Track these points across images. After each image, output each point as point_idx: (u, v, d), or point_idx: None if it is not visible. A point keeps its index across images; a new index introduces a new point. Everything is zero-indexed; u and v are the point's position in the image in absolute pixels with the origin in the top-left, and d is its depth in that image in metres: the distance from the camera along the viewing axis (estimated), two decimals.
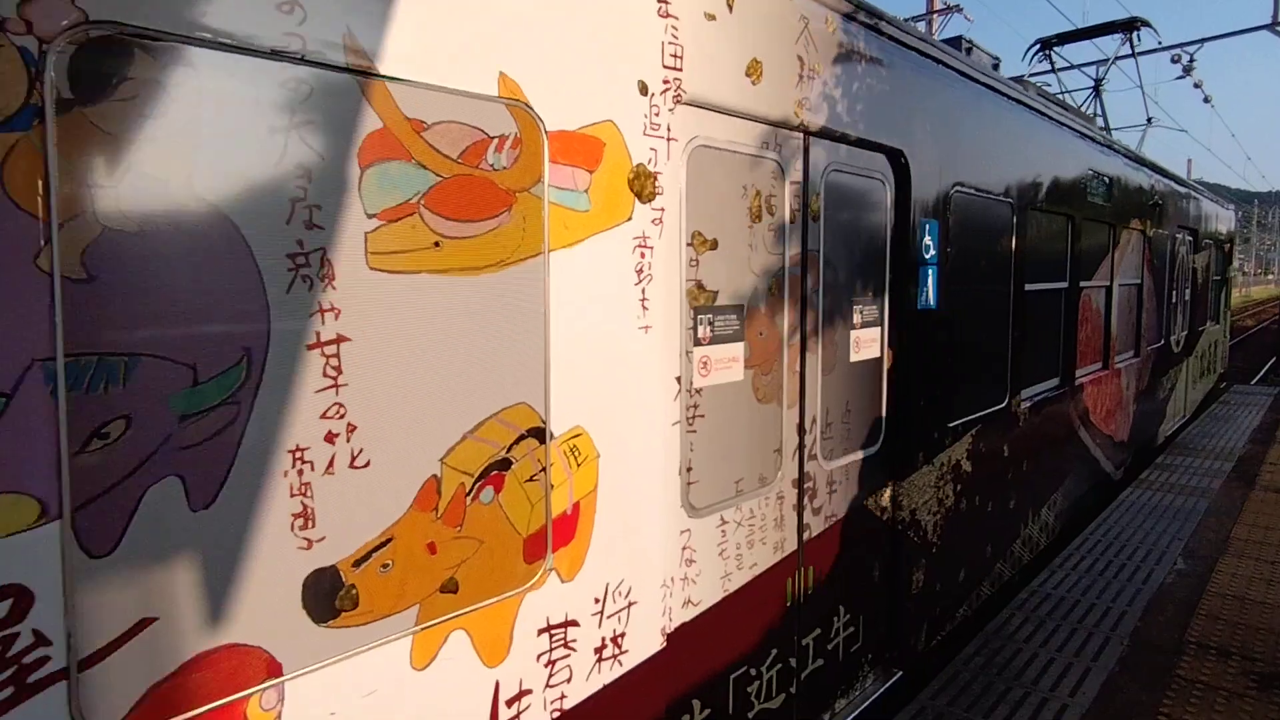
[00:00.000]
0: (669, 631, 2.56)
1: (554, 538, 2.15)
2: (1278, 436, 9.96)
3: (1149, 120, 14.55)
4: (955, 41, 5.27)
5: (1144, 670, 4.21)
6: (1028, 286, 5.20)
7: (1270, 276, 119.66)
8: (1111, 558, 5.85)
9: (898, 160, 3.71)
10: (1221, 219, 13.00)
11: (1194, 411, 12.17)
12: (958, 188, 4.23)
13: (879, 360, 3.78)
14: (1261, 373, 21.57)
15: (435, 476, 1.88)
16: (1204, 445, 9.52)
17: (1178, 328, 10.41)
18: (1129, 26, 10.94)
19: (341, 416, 1.71)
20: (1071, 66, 12.46)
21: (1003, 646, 4.52)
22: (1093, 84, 12.24)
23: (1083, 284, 6.29)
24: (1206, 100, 19.33)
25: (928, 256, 3.92)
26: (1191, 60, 15.94)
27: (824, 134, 3.17)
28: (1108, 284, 7.08)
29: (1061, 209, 5.76)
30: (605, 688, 2.31)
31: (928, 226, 3.90)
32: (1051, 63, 11.65)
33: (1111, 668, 4.23)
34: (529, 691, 2.10)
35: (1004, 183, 4.77)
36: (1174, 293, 9.97)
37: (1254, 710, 3.78)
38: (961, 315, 4.38)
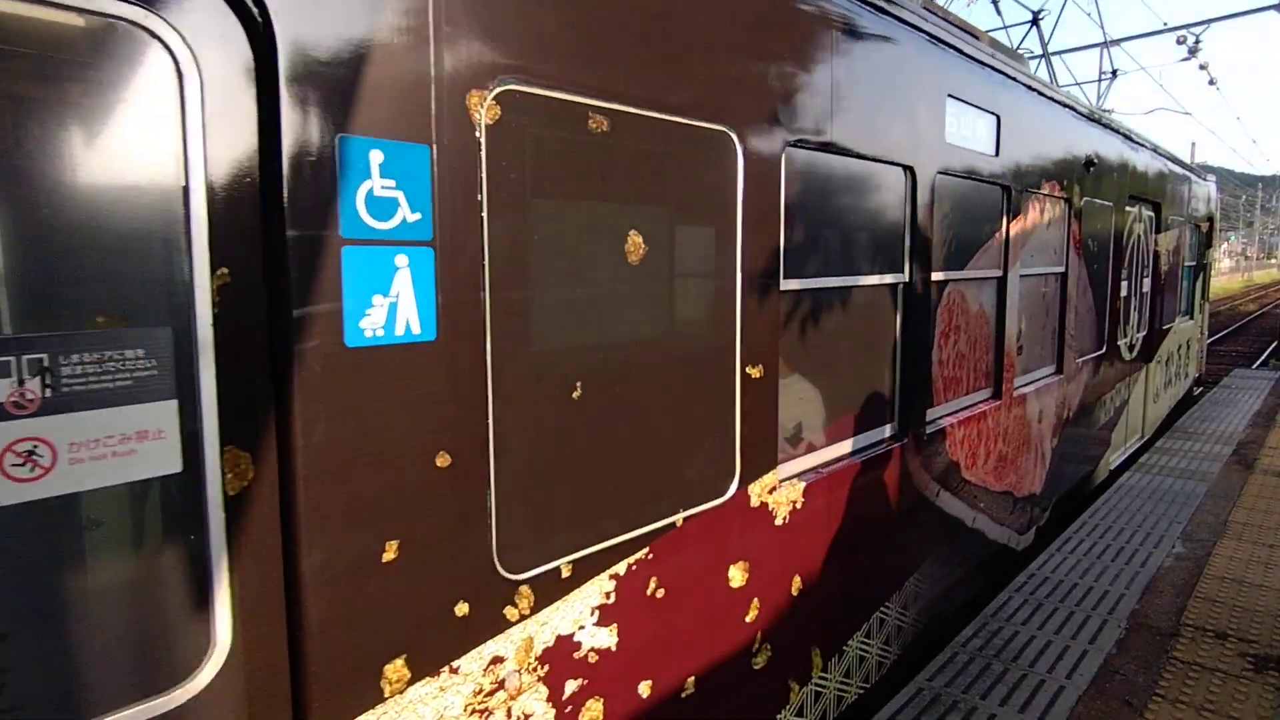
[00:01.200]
0: None
1: None
2: (1278, 420, 9.96)
3: (1113, 73, 13.28)
4: None
5: (1141, 652, 4.24)
6: (813, 284, 3.32)
7: (1273, 261, 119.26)
8: (1110, 541, 5.87)
9: None
10: (1197, 193, 10.92)
11: (1159, 428, 10.28)
12: None
13: None
14: (1263, 357, 21.55)
15: None
16: (1204, 429, 9.53)
17: (1131, 328, 8.39)
18: None
19: None
20: None
21: (1000, 629, 4.55)
22: (1031, 15, 10.45)
23: (940, 276, 4.12)
24: (1212, 83, 19.17)
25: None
26: (1198, 42, 15.79)
27: None
28: (997, 274, 4.88)
29: (889, 157, 3.63)
30: None
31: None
32: None
33: (1109, 650, 4.26)
34: None
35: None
36: (1126, 283, 7.97)
37: (1249, 691, 3.81)
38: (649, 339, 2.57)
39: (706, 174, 2.64)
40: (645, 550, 2.55)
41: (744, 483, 2.96)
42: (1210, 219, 12.23)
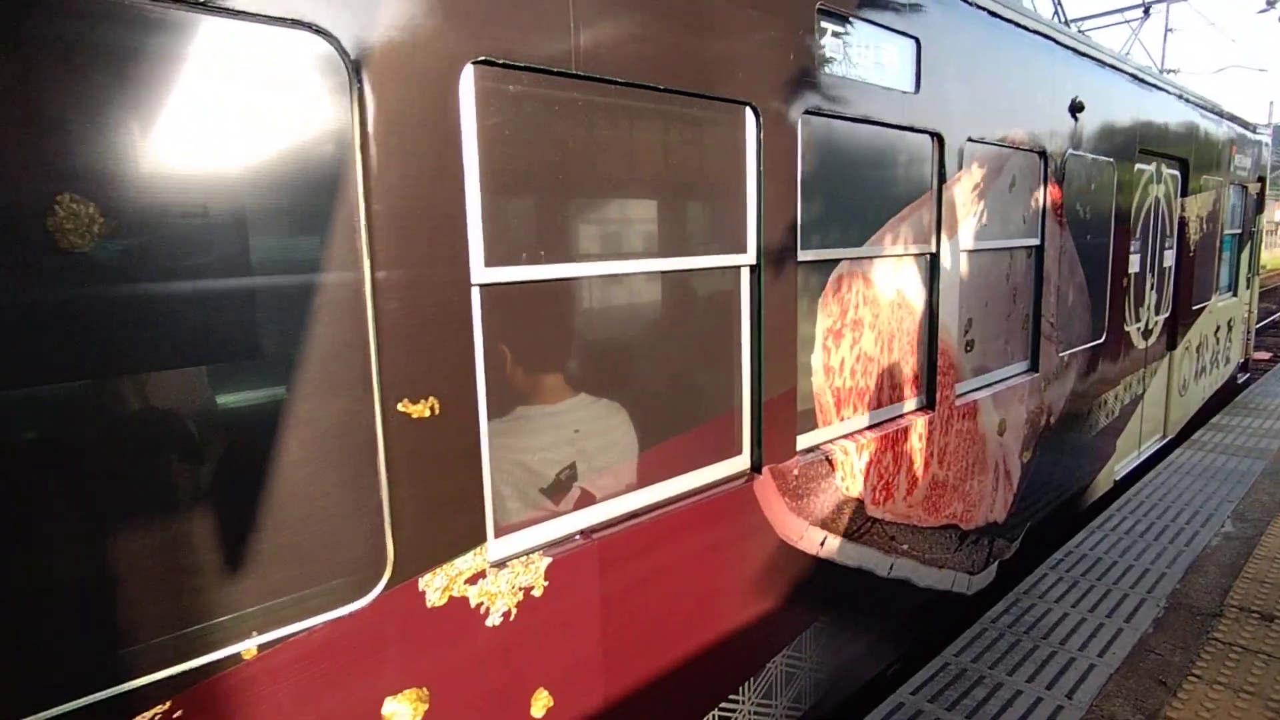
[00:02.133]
0: None
1: None
2: None
3: None
4: None
5: (1179, 632, 4.12)
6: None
7: None
8: (1155, 519, 5.69)
9: None
10: (1243, 148, 9.36)
11: (1190, 423, 8.78)
12: None
13: None
14: None
15: None
16: (1264, 405, 9.10)
17: (1146, 310, 7.13)
18: None
19: None
20: None
21: (1032, 605, 4.48)
22: None
23: (816, 255, 3.29)
24: None
25: None
26: None
27: None
28: (925, 250, 3.95)
29: (769, 102, 2.91)
30: None
31: None
32: None
33: (1145, 629, 4.16)
34: None
35: None
36: (1138, 257, 6.72)
37: None
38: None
39: None
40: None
41: (405, 574, 2.04)
42: (1261, 179, 10.45)
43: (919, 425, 4.01)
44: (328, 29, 1.77)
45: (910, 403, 4.07)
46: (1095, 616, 4.33)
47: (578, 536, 2.51)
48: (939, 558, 4.37)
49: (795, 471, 3.26)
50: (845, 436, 3.61)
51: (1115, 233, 6.22)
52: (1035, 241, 5.07)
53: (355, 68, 1.83)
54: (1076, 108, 5.31)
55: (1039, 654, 3.96)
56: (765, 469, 3.11)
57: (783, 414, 3.16)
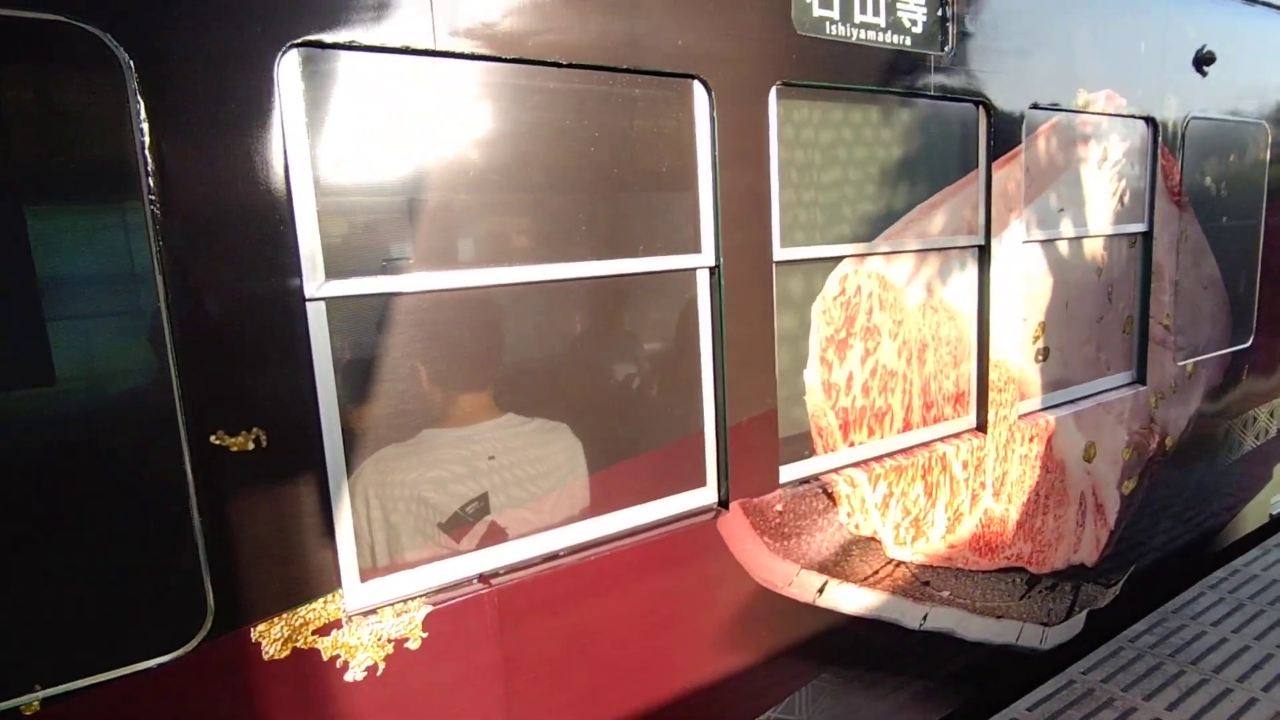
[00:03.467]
0: None
1: None
2: None
3: None
4: None
5: None
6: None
7: None
8: None
9: None
10: None
11: None
12: None
13: None
14: None
15: None
16: None
17: None
18: None
19: None
20: None
21: (1182, 626, 3.79)
22: None
23: (817, 252, 2.83)
24: None
25: None
26: None
27: None
28: (972, 242, 3.32)
29: (724, 73, 2.47)
30: None
31: None
32: None
33: None
34: None
35: None
36: None
37: None
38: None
39: None
40: None
41: (231, 624, 1.79)
42: None
43: (963, 450, 3.36)
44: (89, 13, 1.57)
45: (951, 424, 3.42)
46: (1263, 646, 3.56)
47: (475, 581, 2.21)
48: (997, 606, 3.68)
49: (778, 507, 2.78)
50: (855, 465, 3.07)
51: (1269, 213, 5.09)
52: (1140, 227, 4.18)
53: (130, 55, 1.60)
54: (1204, 59, 4.33)
55: (1184, 680, 3.31)
56: (734, 504, 2.66)
57: (758, 440, 2.70)
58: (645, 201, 2.46)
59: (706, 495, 2.67)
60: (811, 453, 2.97)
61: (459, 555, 2.22)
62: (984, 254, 3.39)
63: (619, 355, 2.50)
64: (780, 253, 2.71)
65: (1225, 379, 4.90)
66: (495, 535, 2.30)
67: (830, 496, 2.93)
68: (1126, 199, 4.10)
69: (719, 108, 2.47)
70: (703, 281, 2.57)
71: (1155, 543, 4.61)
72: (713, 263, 2.55)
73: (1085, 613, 4.18)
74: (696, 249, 2.54)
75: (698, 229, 2.53)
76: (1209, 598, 4.32)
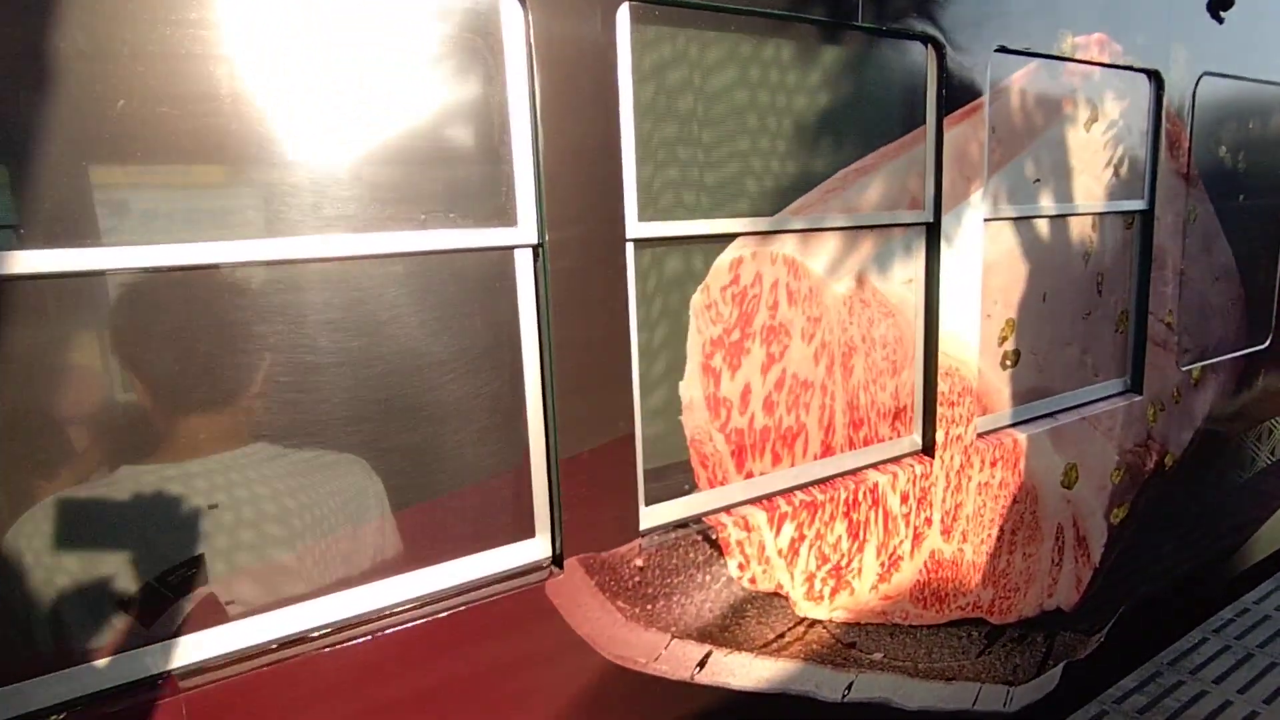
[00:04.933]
0: None
1: None
2: None
3: None
4: None
5: None
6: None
7: None
8: None
9: None
10: None
11: None
12: None
13: None
14: None
15: None
16: None
17: None
18: None
19: None
20: None
21: (1179, 684, 3.19)
22: None
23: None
24: None
25: None
26: None
27: None
28: (921, 219, 2.65)
29: None
30: None
31: None
32: None
33: None
34: None
35: None
36: None
37: None
38: None
39: None
40: None
41: None
42: None
43: (903, 479, 2.69)
44: None
45: (888, 447, 2.74)
46: (1275, 710, 2.92)
47: (160, 683, 1.57)
48: (947, 666, 3.01)
49: (637, 562, 2.13)
50: (752, 502, 2.40)
51: None
52: (1138, 205, 3.46)
53: None
54: (1221, 3, 3.59)
55: None
56: (570, 561, 2.01)
57: (608, 475, 2.04)
58: (434, 155, 1.78)
59: (533, 550, 2.02)
60: (692, 488, 2.31)
61: (141, 649, 1.58)
62: (933, 234, 2.69)
63: (411, 364, 1.84)
64: (638, 228, 2.03)
65: (1238, 385, 4.18)
66: (206, 616, 1.66)
67: (715, 544, 2.27)
68: (1122, 170, 3.38)
69: (538, 29, 1.79)
70: (524, 265, 1.90)
71: (1150, 579, 3.92)
72: (534, 239, 1.88)
73: (1061, 666, 3.51)
74: (509, 220, 1.87)
75: (511, 194, 1.86)
76: (1212, 645, 3.65)
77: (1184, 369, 3.79)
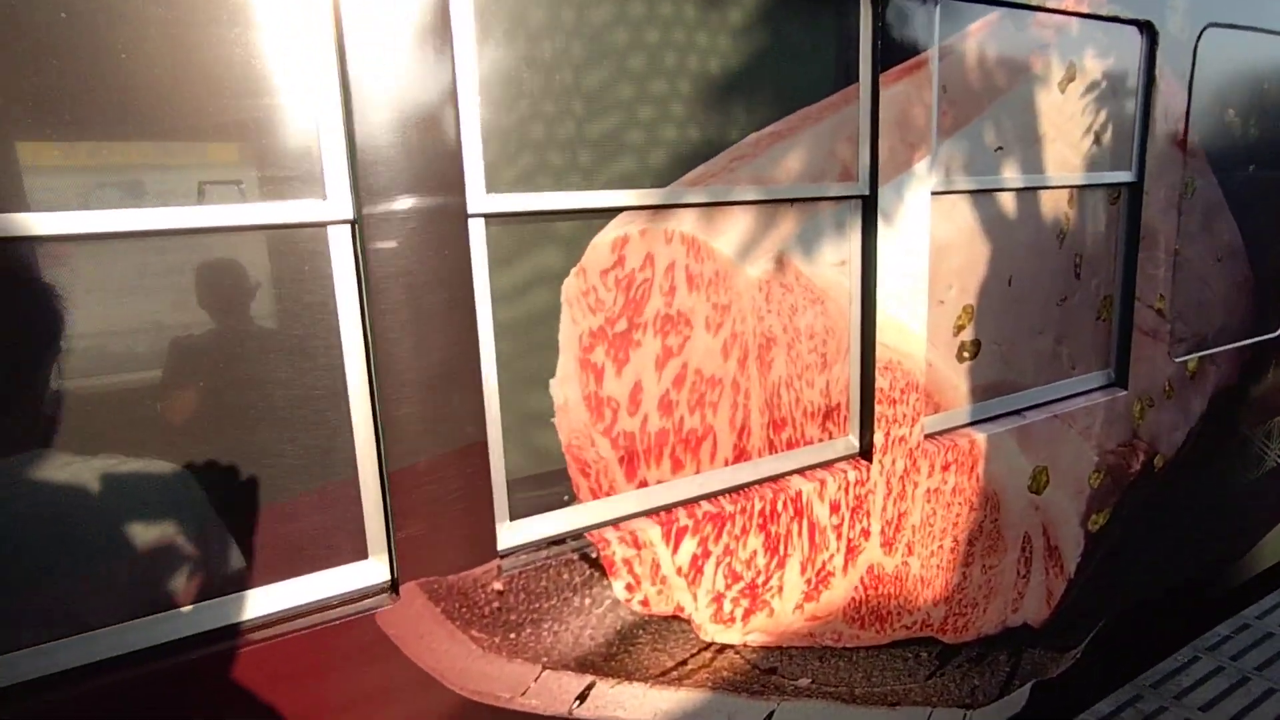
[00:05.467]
0: None
1: None
2: None
3: None
4: None
5: None
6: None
7: None
8: None
9: None
10: None
11: None
12: None
13: None
14: None
15: None
16: None
17: None
18: None
19: None
20: None
21: (1161, 710, 2.88)
22: None
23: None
24: None
25: None
26: None
27: None
28: (853, 191, 2.31)
29: None
30: None
31: None
32: None
33: None
34: None
35: None
36: None
37: None
38: None
39: None
40: None
41: None
42: None
43: (833, 486, 2.39)
44: None
45: (817, 450, 2.43)
46: None
47: None
48: (891, 690, 2.72)
49: (496, 585, 1.86)
50: (645, 515, 2.12)
51: None
52: (1125, 176, 3.08)
53: None
54: None
55: None
56: (407, 587, 1.75)
57: (455, 488, 1.77)
58: (216, 112, 1.50)
59: (366, 574, 1.76)
60: (571, 499, 2.03)
61: None
62: (869, 209, 2.36)
63: (211, 360, 1.58)
64: (486, 200, 1.74)
65: (1243, 378, 3.79)
66: None
67: (596, 563, 1.99)
68: (1106, 137, 3.00)
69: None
70: (340, 245, 1.62)
71: (1134, 590, 3.58)
72: (349, 214, 1.60)
73: (1029, 686, 3.19)
74: (317, 192, 1.58)
75: (317, 159, 1.58)
76: (1204, 665, 3.31)
77: (1178, 360, 3.41)
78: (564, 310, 1.91)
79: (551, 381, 1.93)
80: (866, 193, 2.33)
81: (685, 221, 2.05)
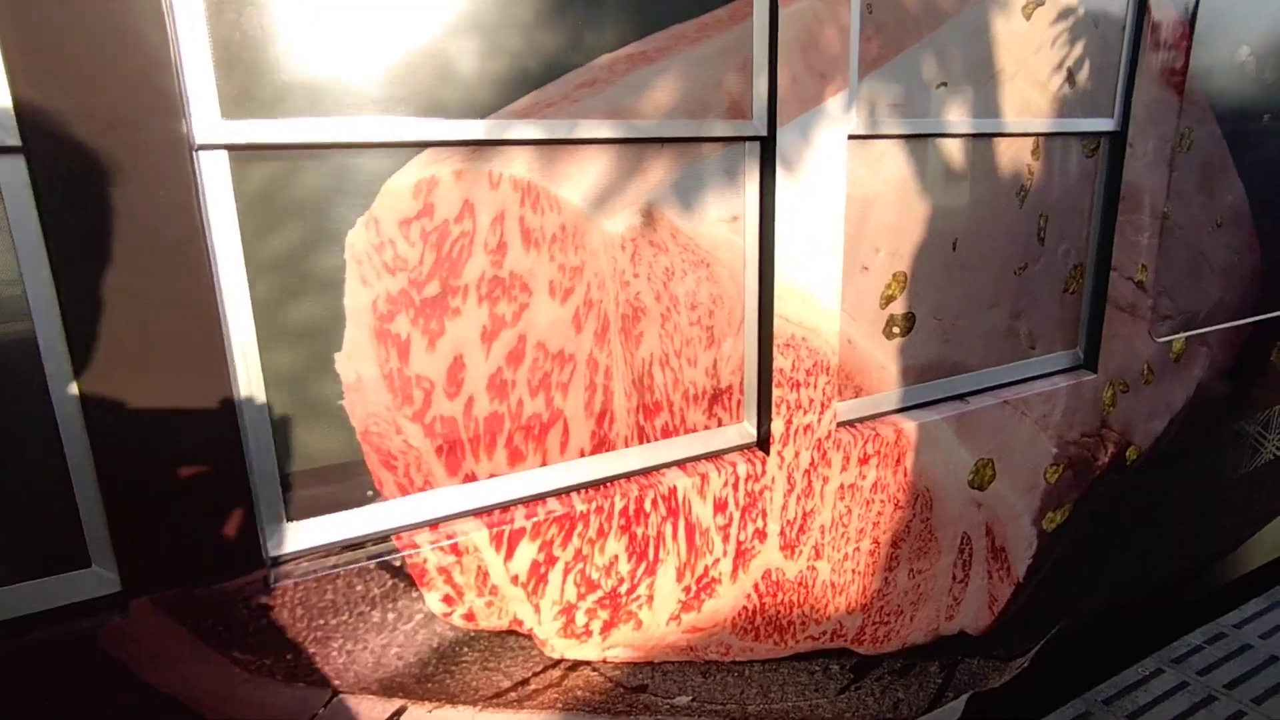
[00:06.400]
0: None
1: None
2: None
3: None
4: None
5: None
6: None
7: None
8: None
9: None
10: None
11: None
12: None
13: None
14: None
15: None
16: None
17: None
18: None
19: None
20: None
21: None
22: None
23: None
24: None
25: None
26: None
27: None
28: (747, 131, 1.90)
29: None
30: None
31: None
32: None
33: None
34: None
35: None
36: None
37: None
38: None
39: None
40: None
41: None
42: None
43: (717, 480, 2.04)
44: None
45: (699, 439, 2.08)
46: None
47: None
48: (794, 706, 2.40)
49: (262, 600, 1.55)
50: (471, 515, 1.79)
51: None
52: (1106, 124, 2.62)
53: None
54: None
55: None
56: (140, 602, 1.44)
57: (193, 487, 1.45)
58: None
59: (87, 585, 1.45)
60: (374, 496, 1.70)
61: None
62: (767, 153, 1.96)
63: None
64: (224, 129, 1.38)
65: (1240, 360, 3.35)
66: None
67: (401, 572, 1.68)
68: (1083, 75, 2.54)
69: None
70: (12, 180, 1.28)
71: (1098, 594, 3.22)
72: (14, 141, 1.25)
73: (965, 699, 2.88)
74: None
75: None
76: (1167, 679, 2.98)
77: (1160, 340, 2.99)
78: (349, 269, 1.56)
79: (337, 356, 1.59)
80: (763, 133, 1.93)
81: (516, 163, 1.67)
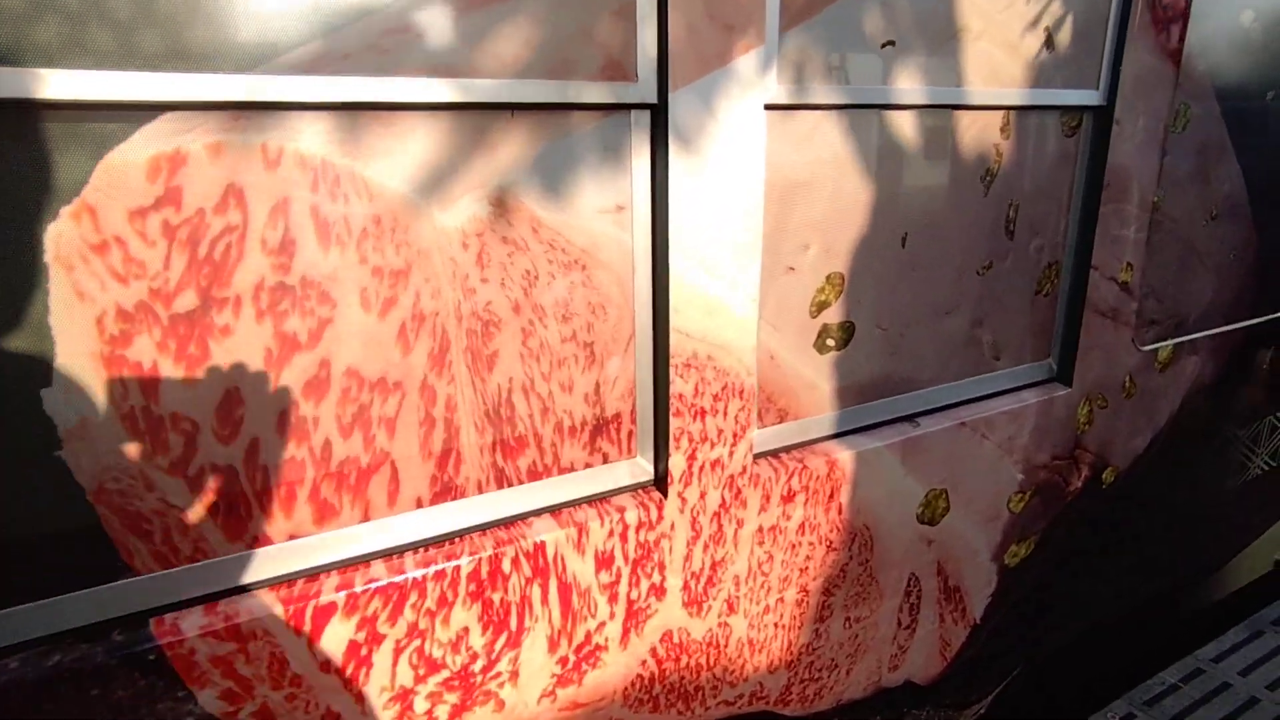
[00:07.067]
0: None
1: None
2: None
3: None
4: None
5: None
6: None
7: None
8: None
9: None
10: None
11: None
12: None
13: None
14: None
15: None
16: None
17: None
18: None
19: None
20: None
21: None
22: None
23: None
24: None
25: None
26: None
27: None
28: (628, 98, 1.49)
29: None
30: None
31: None
32: None
33: None
34: None
35: None
36: None
37: None
38: None
39: None
40: None
41: None
42: None
43: (598, 532, 1.66)
44: None
45: (578, 481, 1.69)
46: None
47: None
48: None
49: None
50: (269, 586, 1.41)
51: None
52: (1090, 98, 2.22)
53: None
54: None
55: None
56: None
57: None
58: None
59: None
60: (122, 571, 1.31)
61: None
62: (658, 125, 1.55)
63: None
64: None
65: (1231, 369, 3.00)
66: None
67: (159, 667, 1.29)
68: (1062, 40, 2.13)
69: None
70: None
71: (1064, 630, 2.89)
72: None
73: None
74: None
75: None
76: (1172, 705, 2.68)
77: (1145, 349, 2.63)
78: (55, 276, 1.15)
79: (45, 393, 1.18)
80: (652, 100, 1.52)
81: (305, 135, 1.26)
